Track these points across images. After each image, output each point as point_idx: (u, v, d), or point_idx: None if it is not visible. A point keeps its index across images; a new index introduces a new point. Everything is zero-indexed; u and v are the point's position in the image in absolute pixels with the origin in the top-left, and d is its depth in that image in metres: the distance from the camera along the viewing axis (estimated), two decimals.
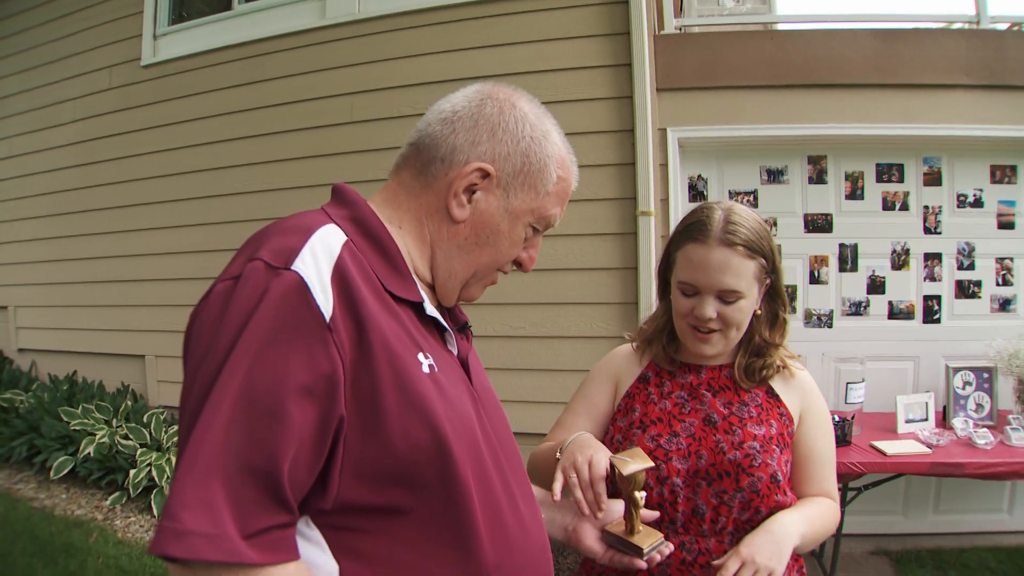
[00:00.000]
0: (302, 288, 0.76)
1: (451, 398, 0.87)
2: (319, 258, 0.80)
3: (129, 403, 4.37)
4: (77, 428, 4.06)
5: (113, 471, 3.93)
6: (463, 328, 1.05)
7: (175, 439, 4.05)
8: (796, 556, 1.38)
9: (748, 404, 1.34)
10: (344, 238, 0.85)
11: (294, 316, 0.76)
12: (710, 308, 1.28)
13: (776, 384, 1.38)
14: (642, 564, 1.14)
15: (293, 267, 0.78)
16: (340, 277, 0.80)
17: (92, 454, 3.89)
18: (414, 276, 0.93)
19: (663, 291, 1.43)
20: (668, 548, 1.17)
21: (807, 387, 1.40)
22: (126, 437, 3.99)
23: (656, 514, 1.23)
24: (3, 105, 5.30)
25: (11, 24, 5.24)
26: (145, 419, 4.14)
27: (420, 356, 0.85)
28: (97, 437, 3.94)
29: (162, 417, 4.17)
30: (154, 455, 3.88)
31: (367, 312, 0.80)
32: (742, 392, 1.36)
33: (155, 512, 3.68)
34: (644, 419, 1.35)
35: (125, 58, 4.59)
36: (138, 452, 3.89)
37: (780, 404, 1.36)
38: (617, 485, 1.13)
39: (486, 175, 0.92)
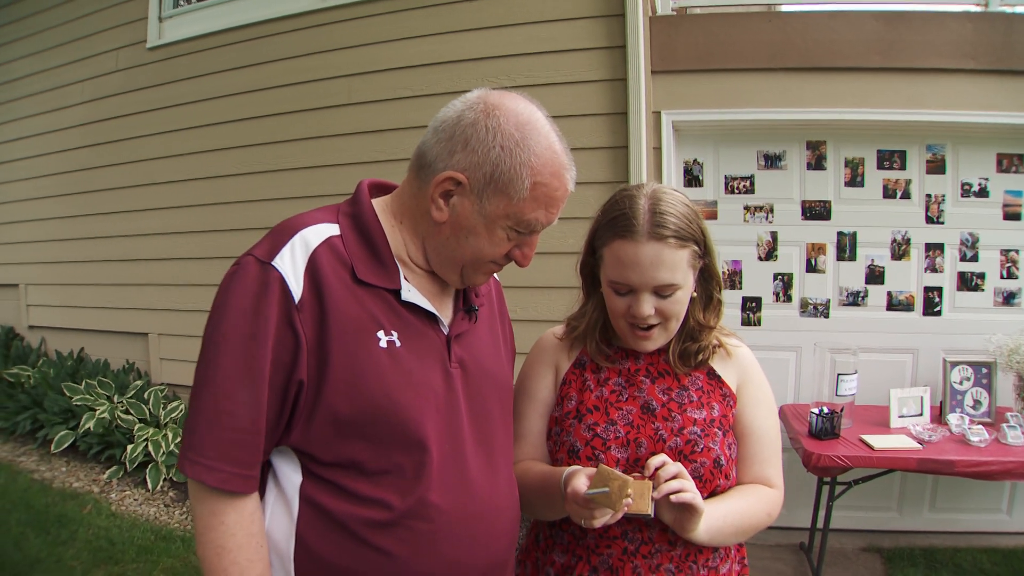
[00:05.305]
0: (276, 279, 1.00)
1: (408, 368, 1.05)
2: (296, 254, 1.02)
3: (137, 382, 4.43)
4: (79, 403, 4.13)
5: (112, 446, 4.00)
6: (470, 311, 1.20)
7: (173, 415, 4.11)
8: (739, 546, 1.35)
9: (688, 388, 1.31)
10: (329, 234, 1.06)
11: (268, 300, 0.99)
12: (647, 305, 1.23)
13: (716, 364, 1.35)
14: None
15: (273, 262, 1.01)
16: (312, 269, 1.01)
17: (92, 429, 3.96)
18: (409, 264, 1.12)
19: (589, 287, 1.39)
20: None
21: (745, 362, 1.36)
22: (126, 412, 4.05)
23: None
24: (14, 87, 5.39)
25: (21, 7, 5.32)
26: (146, 395, 4.20)
27: (380, 333, 1.04)
28: (97, 412, 4.01)
29: (162, 394, 4.23)
30: (151, 431, 3.94)
31: (330, 297, 1.01)
32: (682, 376, 1.32)
33: (149, 486, 3.74)
34: (580, 407, 1.32)
35: (131, 40, 4.63)
36: (136, 427, 3.96)
37: (723, 385, 1.33)
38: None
39: (459, 183, 1.04)
